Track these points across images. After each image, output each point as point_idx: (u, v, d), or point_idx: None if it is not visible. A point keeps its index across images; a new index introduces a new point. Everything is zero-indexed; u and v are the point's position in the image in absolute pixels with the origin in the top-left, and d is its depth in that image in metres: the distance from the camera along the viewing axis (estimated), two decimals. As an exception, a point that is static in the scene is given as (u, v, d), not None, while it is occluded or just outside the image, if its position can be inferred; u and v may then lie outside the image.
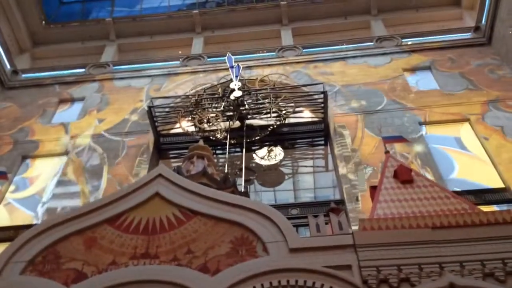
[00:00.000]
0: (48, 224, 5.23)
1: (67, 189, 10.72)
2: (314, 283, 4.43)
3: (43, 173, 11.51)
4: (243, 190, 7.04)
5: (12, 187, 11.12)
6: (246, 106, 11.59)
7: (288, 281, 4.48)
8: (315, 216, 5.10)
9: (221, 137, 11.16)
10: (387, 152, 6.31)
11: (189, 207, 5.28)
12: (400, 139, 8.11)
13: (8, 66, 14.78)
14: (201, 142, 7.66)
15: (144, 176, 5.79)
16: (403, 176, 5.60)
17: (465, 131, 11.03)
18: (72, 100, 13.96)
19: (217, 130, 11.26)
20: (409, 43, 14.29)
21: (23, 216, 10.43)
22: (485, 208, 6.61)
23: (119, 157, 11.39)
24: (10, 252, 4.97)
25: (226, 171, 10.08)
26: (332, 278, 4.44)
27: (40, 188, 11.09)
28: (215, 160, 11.53)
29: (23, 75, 14.92)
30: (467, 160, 10.33)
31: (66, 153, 11.85)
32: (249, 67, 13.69)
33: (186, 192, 5.39)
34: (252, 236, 4.97)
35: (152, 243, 4.99)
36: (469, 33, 14.21)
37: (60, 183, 10.94)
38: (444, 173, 9.80)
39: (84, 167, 11.25)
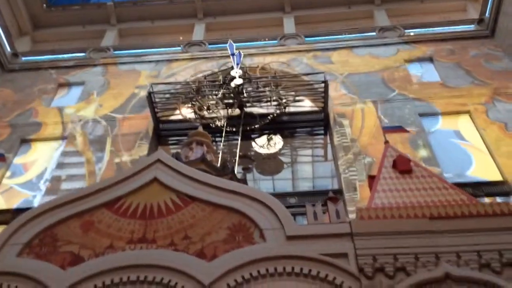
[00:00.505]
0: (46, 207, 5.23)
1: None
2: (310, 270, 4.44)
3: (40, 158, 11.46)
4: (241, 177, 7.03)
5: (8, 173, 11.03)
6: (247, 94, 11.55)
7: (284, 268, 4.49)
8: (313, 205, 5.09)
9: (220, 125, 11.14)
10: (386, 142, 6.30)
11: (187, 193, 5.27)
12: (400, 129, 8.09)
13: (8, 49, 14.70)
14: (200, 129, 7.64)
15: (143, 161, 5.79)
16: (402, 166, 5.59)
17: (464, 124, 11.02)
18: (72, 84, 13.90)
19: (217, 117, 11.25)
20: (412, 34, 14.21)
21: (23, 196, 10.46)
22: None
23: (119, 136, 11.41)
24: (7, 234, 4.98)
25: (222, 158, 10.09)
26: (328, 266, 4.45)
27: (39, 172, 11.06)
28: (215, 147, 11.61)
29: (23, 58, 14.85)
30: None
31: (64, 137, 11.80)
32: (250, 55, 13.61)
33: (185, 177, 5.38)
34: (250, 223, 4.97)
35: (149, 228, 4.99)
36: (473, 25, 14.13)
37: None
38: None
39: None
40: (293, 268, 4.49)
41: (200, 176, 5.38)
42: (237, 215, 5.03)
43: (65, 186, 10.29)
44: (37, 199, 10.21)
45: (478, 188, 9.10)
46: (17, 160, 11.37)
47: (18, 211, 8.64)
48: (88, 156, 11.01)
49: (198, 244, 4.81)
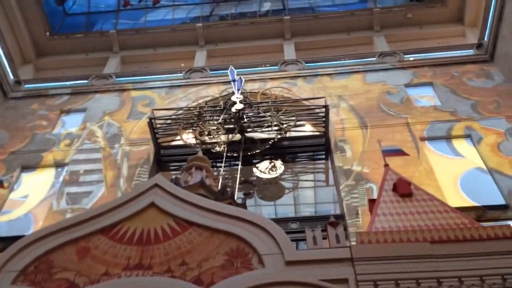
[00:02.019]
0: (42, 233, 5.17)
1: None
2: (309, 297, 4.35)
3: (36, 187, 11.40)
4: (240, 202, 6.95)
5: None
6: (248, 119, 11.57)
7: (283, 295, 4.40)
8: (312, 230, 5.02)
9: (221, 150, 11.12)
10: (386, 165, 6.25)
11: (184, 218, 5.21)
12: (399, 152, 8.05)
13: (12, 77, 14.84)
14: (200, 153, 7.61)
15: (140, 186, 5.73)
16: (402, 189, 5.53)
17: (464, 147, 10.99)
18: (74, 111, 13.96)
19: (217, 142, 11.24)
20: (411, 59, 14.30)
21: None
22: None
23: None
24: (2, 261, 4.89)
25: (223, 183, 10.03)
26: (328, 292, 4.36)
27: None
28: (215, 173, 11.56)
29: (26, 86, 14.97)
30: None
31: (65, 164, 11.80)
32: (251, 80, 13.69)
33: (182, 202, 5.33)
34: (248, 248, 4.89)
35: (146, 254, 4.91)
36: (472, 50, 14.21)
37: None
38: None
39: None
40: (292, 295, 4.39)
41: (198, 201, 5.32)
42: (235, 240, 4.96)
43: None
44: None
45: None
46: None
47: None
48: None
49: (195, 271, 4.72)
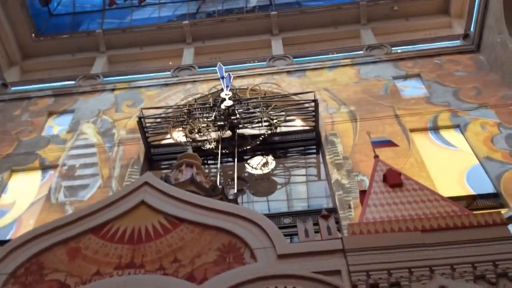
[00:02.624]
0: (31, 234, 5.11)
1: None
2: (303, 289, 4.34)
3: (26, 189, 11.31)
4: (232, 198, 6.93)
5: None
6: (237, 116, 11.54)
7: (276, 288, 4.39)
8: (304, 222, 5.01)
9: (212, 147, 11.09)
10: (376, 156, 6.26)
11: (175, 215, 5.18)
12: (389, 143, 8.06)
13: (-2, 79, 14.69)
14: (189, 150, 7.58)
15: (130, 184, 5.69)
16: (392, 180, 5.54)
17: (454, 137, 11.05)
18: (62, 112, 13.84)
19: (208, 139, 11.21)
20: (399, 51, 14.35)
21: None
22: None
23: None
24: (-9, 265, 4.84)
25: (217, 180, 10.01)
26: (321, 284, 4.35)
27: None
28: (206, 170, 11.54)
29: (13, 88, 14.81)
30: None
31: (55, 166, 11.70)
32: (240, 77, 13.67)
33: (172, 199, 5.29)
34: (240, 243, 4.87)
35: (137, 252, 4.87)
36: (458, 41, 14.29)
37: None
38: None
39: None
40: (285, 288, 4.38)
41: (188, 197, 5.29)
42: (226, 235, 4.94)
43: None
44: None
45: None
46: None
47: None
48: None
49: (187, 267, 4.70)
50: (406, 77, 13.36)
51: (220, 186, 6.62)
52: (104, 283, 4.61)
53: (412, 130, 11.21)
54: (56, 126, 13.41)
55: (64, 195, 10.65)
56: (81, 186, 10.85)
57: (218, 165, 10.74)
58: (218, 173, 10.49)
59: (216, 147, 11.10)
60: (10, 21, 15.83)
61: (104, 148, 11.95)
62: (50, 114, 13.78)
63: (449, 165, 10.26)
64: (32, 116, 13.57)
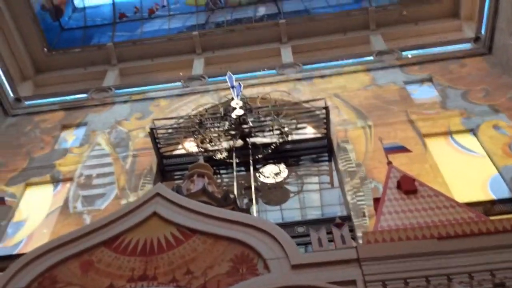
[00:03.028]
0: (44, 248, 5.11)
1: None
2: (318, 300, 4.27)
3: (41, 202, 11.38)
4: (244, 207, 6.89)
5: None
6: (249, 124, 11.52)
7: (291, 299, 4.33)
8: (317, 231, 4.94)
9: (223, 157, 11.07)
10: (389, 162, 6.18)
11: (187, 226, 5.15)
12: (402, 149, 7.95)
13: (11, 94, 14.85)
14: (201, 161, 7.56)
15: (142, 196, 5.67)
16: (407, 186, 5.45)
17: (470, 141, 10.90)
18: (75, 125, 13.95)
19: (220, 149, 11.19)
20: (409, 56, 14.25)
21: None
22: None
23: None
24: (5, 279, 4.83)
25: (234, 190, 10.00)
26: (337, 294, 4.28)
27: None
28: (219, 180, 11.51)
29: (26, 102, 14.97)
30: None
31: (67, 179, 11.77)
32: (250, 86, 13.65)
33: (184, 210, 5.27)
34: (253, 253, 4.82)
35: (150, 265, 4.85)
36: (469, 44, 14.15)
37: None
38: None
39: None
40: (300, 299, 4.32)
41: (200, 208, 5.26)
42: (239, 246, 4.89)
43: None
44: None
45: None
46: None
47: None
48: None
49: (200, 279, 4.66)
50: (417, 82, 13.24)
51: (232, 196, 6.57)
52: (117, 296, 4.58)
53: (425, 135, 11.08)
54: (70, 139, 13.51)
55: (82, 204, 10.78)
56: (98, 195, 10.97)
57: (234, 174, 10.69)
58: (235, 183, 10.46)
59: (228, 157, 11.07)
60: (22, 36, 16.03)
61: (119, 159, 12.03)
62: (64, 127, 13.87)
63: (467, 171, 10.10)
64: (45, 130, 13.68)
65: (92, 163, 12.01)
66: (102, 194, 10.97)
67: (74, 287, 4.75)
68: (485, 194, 9.48)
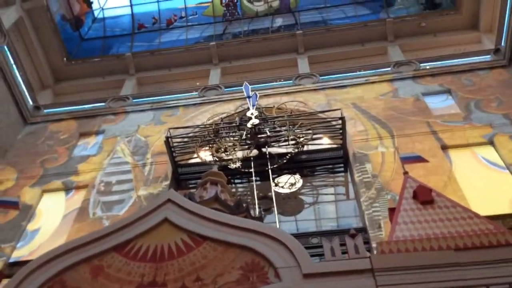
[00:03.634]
0: (55, 253, 5.09)
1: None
2: (329, 310, 4.16)
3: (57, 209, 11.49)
4: (257, 216, 6.82)
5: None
6: (264, 134, 11.48)
7: (302, 309, 4.22)
8: (330, 240, 4.83)
9: (238, 166, 11.03)
10: (405, 172, 6.05)
11: (198, 232, 5.08)
12: (419, 159, 7.80)
13: (31, 102, 15.09)
14: (215, 169, 7.53)
15: (153, 201, 5.64)
16: (423, 196, 5.32)
17: (488, 154, 10.68)
18: (93, 133, 14.08)
19: (234, 159, 11.15)
20: (428, 67, 14.10)
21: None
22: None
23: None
24: (15, 283, 4.83)
25: (247, 200, 9.93)
26: (349, 305, 4.16)
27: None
28: (233, 189, 11.46)
29: (45, 110, 15.19)
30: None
31: (86, 186, 11.86)
32: (266, 96, 13.65)
33: (195, 216, 5.21)
34: (264, 262, 4.73)
35: (160, 271, 4.80)
36: (489, 56, 13.94)
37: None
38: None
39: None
40: (311, 309, 4.21)
41: (211, 214, 5.20)
42: (250, 254, 4.80)
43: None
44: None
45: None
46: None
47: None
48: None
49: (210, 286, 4.59)
50: (436, 93, 13.06)
51: (244, 204, 6.51)
52: (126, 302, 4.53)
53: (443, 147, 10.90)
54: (87, 147, 13.63)
55: (101, 210, 10.90)
56: (117, 201, 11.09)
57: (254, 183, 10.64)
58: (255, 191, 10.39)
59: (243, 166, 11.03)
60: (43, 46, 16.35)
61: (137, 166, 12.14)
62: (81, 135, 14.01)
63: (488, 184, 9.88)
64: (63, 138, 13.84)
65: (111, 170, 12.15)
66: (121, 201, 11.07)
67: (83, 292, 4.72)
68: (505, 208, 9.23)
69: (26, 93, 14.91)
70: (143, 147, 12.81)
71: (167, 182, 11.51)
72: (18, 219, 10.95)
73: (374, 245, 8.54)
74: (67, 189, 11.96)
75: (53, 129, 14.30)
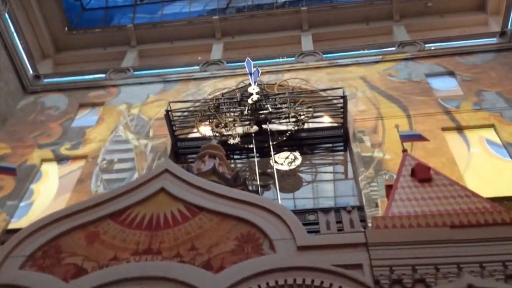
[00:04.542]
0: (51, 218, 5.11)
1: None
2: (322, 282, 4.18)
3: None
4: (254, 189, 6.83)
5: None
6: (265, 111, 11.42)
7: (294, 280, 4.24)
8: (326, 214, 4.83)
9: (237, 141, 11.00)
10: (404, 150, 6.02)
11: (194, 203, 5.09)
12: (419, 137, 7.76)
13: (31, 71, 14.98)
14: (213, 142, 7.50)
15: (151, 171, 5.63)
16: (421, 174, 5.30)
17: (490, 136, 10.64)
18: (93, 105, 14.02)
19: (234, 134, 11.12)
20: (432, 48, 13.93)
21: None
22: None
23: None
24: (10, 246, 4.86)
25: (245, 175, 9.92)
26: (342, 278, 4.18)
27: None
28: (232, 165, 11.45)
29: (45, 80, 15.09)
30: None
31: (85, 156, 11.86)
32: (268, 72, 13.53)
33: (192, 187, 5.21)
34: (259, 233, 4.74)
35: (155, 239, 4.81)
36: (495, 38, 13.77)
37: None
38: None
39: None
40: (304, 280, 4.23)
41: (208, 186, 5.20)
42: (246, 225, 4.82)
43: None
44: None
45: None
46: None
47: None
48: None
49: (205, 256, 4.61)
50: (439, 75, 12.94)
51: (241, 177, 6.50)
52: (120, 268, 4.56)
53: (444, 129, 10.85)
54: (87, 118, 13.58)
55: (104, 187, 10.83)
56: (119, 179, 10.98)
57: (255, 159, 10.62)
58: (256, 166, 10.37)
59: (242, 142, 11.00)
60: (44, 15, 16.14)
61: (138, 142, 12.05)
62: (81, 106, 13.95)
63: (486, 167, 9.88)
64: (64, 107, 13.78)
65: (113, 148, 12.05)
66: (123, 179, 10.98)
67: (78, 257, 4.74)
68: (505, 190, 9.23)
69: (27, 62, 14.80)
70: (143, 125, 12.68)
71: (166, 156, 11.48)
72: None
73: (370, 224, 8.57)
74: (65, 158, 11.95)
75: (52, 99, 14.22)
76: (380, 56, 13.81)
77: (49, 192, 11.14)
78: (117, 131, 12.58)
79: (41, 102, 14.14)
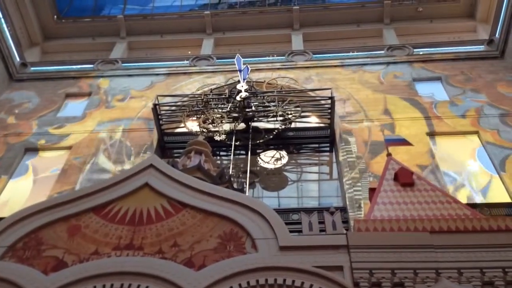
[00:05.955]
0: (33, 209, 5.07)
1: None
2: (302, 283, 4.21)
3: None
4: (247, 193, 6.84)
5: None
6: (252, 108, 11.43)
7: (275, 280, 4.26)
8: (309, 215, 4.87)
9: (225, 138, 10.99)
10: (388, 154, 6.08)
11: (178, 199, 5.09)
12: (403, 142, 7.84)
13: (18, 59, 14.78)
14: (200, 138, 7.48)
15: (135, 166, 5.61)
16: (404, 179, 5.36)
17: (473, 143, 10.78)
18: (79, 95, 13.87)
19: (220, 131, 11.11)
20: (421, 53, 14.06)
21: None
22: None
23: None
24: (-10, 236, 4.81)
25: (230, 172, 9.90)
26: (322, 279, 4.22)
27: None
28: (218, 161, 11.44)
29: (32, 68, 14.90)
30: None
31: (69, 147, 11.74)
32: (257, 70, 13.53)
33: (177, 183, 5.20)
34: (242, 232, 4.76)
35: (137, 234, 4.80)
36: (482, 46, 13.95)
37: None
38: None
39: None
40: (284, 280, 4.27)
41: (192, 182, 5.19)
42: (228, 223, 4.83)
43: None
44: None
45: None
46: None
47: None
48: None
49: (187, 252, 4.61)
50: (426, 80, 13.06)
51: (227, 175, 6.51)
52: (101, 263, 4.54)
53: (430, 134, 10.97)
54: (72, 108, 13.44)
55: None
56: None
57: (231, 157, 10.60)
58: (231, 165, 10.36)
59: (229, 139, 10.99)
60: (32, 2, 15.93)
61: (121, 135, 11.77)
62: (67, 96, 13.80)
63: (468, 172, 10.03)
64: (49, 97, 13.60)
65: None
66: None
67: (59, 250, 4.71)
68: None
69: (14, 49, 14.59)
70: (127, 114, 12.45)
71: (151, 150, 11.38)
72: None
73: (352, 225, 8.64)
74: (50, 149, 11.82)
75: (38, 88, 14.04)
76: (369, 59, 13.90)
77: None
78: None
79: (27, 90, 13.92)
